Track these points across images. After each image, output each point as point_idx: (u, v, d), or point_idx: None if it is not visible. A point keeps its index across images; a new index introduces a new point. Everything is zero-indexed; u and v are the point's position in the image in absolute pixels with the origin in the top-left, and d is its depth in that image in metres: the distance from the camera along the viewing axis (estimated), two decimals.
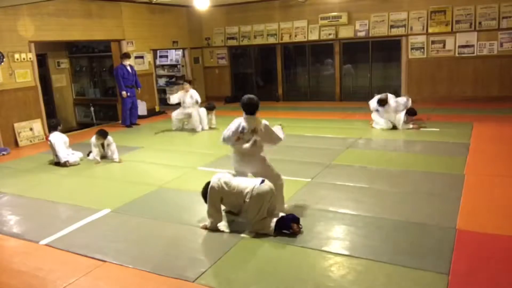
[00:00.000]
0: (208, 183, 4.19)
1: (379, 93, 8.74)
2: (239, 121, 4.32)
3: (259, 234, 3.97)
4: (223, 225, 4.19)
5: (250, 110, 4.27)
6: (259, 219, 3.99)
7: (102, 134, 6.95)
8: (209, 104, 9.54)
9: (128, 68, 10.27)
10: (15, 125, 8.56)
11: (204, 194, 4.22)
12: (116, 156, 6.95)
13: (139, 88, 10.57)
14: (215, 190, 4.08)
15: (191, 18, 13.13)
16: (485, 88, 10.59)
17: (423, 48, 10.98)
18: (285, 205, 4.49)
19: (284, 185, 4.47)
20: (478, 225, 3.97)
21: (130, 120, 10.33)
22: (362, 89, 12.22)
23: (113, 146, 7.00)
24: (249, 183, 4.05)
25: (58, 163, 6.85)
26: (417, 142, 7.30)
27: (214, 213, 4.12)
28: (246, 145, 4.25)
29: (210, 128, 9.32)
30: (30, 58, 8.79)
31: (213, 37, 13.62)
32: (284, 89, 13.27)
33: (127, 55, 10.33)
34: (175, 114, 9.44)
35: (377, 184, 5.33)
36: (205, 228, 4.17)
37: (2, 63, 8.30)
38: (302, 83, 13.19)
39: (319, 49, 12.59)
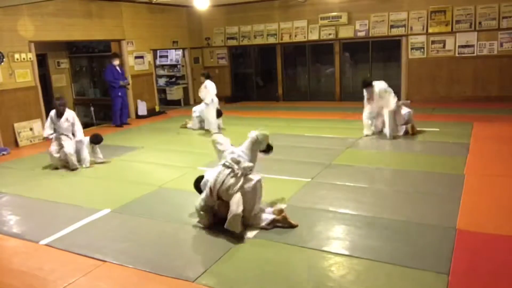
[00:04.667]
0: (201, 176, 4.37)
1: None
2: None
3: (259, 234, 3.97)
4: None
5: None
6: (254, 214, 4.07)
7: (99, 141, 6.88)
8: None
9: (118, 68, 10.26)
10: (15, 125, 8.56)
11: (197, 186, 4.38)
12: (101, 156, 6.93)
13: (125, 81, 10.36)
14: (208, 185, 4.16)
15: (191, 18, 13.12)
16: (485, 88, 10.58)
17: (423, 48, 10.98)
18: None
19: (284, 185, 4.46)
20: (478, 225, 3.97)
21: (121, 119, 10.31)
22: (362, 89, 12.17)
23: (97, 148, 6.96)
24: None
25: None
26: (417, 142, 7.30)
27: (205, 211, 4.16)
28: None
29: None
30: (30, 58, 8.79)
31: (213, 37, 13.61)
32: (284, 89, 13.26)
33: (116, 55, 10.34)
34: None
35: (377, 184, 5.33)
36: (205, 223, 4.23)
37: (2, 63, 8.30)
38: (302, 83, 13.19)
39: (319, 49, 12.59)
